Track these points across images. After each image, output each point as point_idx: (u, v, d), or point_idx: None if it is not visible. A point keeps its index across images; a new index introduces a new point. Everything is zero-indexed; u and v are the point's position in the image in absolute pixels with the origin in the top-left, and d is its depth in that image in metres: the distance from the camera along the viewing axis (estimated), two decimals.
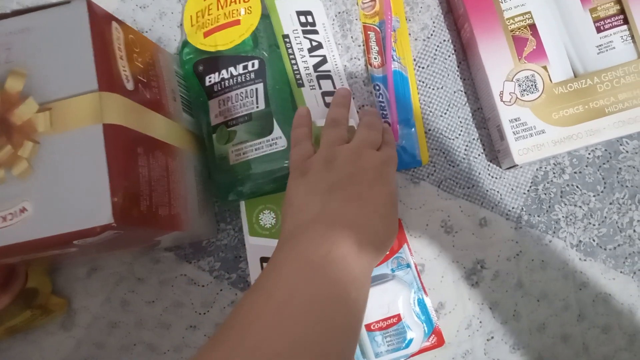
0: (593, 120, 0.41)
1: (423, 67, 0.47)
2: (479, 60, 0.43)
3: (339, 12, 0.48)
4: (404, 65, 0.47)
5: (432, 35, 0.47)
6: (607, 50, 0.42)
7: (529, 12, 0.43)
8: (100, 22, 0.34)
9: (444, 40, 0.47)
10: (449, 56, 0.47)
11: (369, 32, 0.47)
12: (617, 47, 0.42)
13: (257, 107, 0.43)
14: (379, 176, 0.35)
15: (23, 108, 0.33)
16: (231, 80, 0.44)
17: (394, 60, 0.46)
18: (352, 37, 0.48)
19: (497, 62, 0.42)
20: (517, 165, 0.42)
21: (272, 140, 0.43)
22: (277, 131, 0.43)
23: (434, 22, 0.47)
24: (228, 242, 0.47)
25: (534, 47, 0.42)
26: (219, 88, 0.44)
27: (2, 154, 0.33)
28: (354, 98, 0.47)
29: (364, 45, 0.47)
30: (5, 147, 0.33)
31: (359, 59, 0.47)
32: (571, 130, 0.41)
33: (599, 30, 0.42)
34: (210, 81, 0.44)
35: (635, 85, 0.41)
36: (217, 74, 0.44)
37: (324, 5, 0.48)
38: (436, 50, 0.47)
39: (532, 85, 0.42)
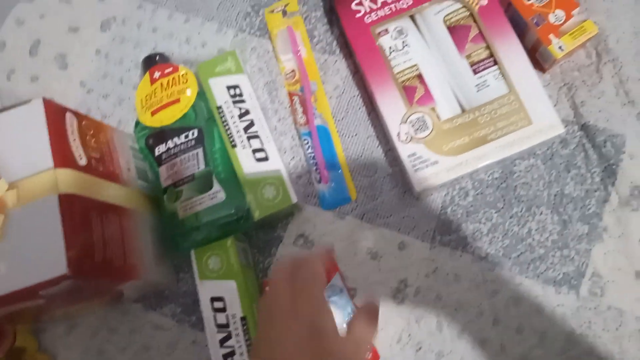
0: (478, 148, 0.48)
1: (339, 120, 0.55)
2: (378, 109, 0.51)
3: (267, 82, 0.57)
4: (326, 120, 0.55)
5: (343, 92, 0.55)
6: (484, 87, 0.50)
7: (416, 65, 0.51)
8: (55, 114, 0.43)
9: (354, 96, 0.55)
10: (359, 108, 0.55)
11: (293, 97, 0.56)
12: (491, 84, 0.50)
13: (199, 168, 0.51)
14: None
15: None
16: (176, 148, 0.52)
17: (315, 117, 0.55)
18: (279, 102, 0.56)
19: (392, 109, 0.50)
20: (421, 192, 0.49)
21: (213, 194, 0.50)
22: (216, 186, 0.50)
23: (344, 82, 0.56)
24: (187, 288, 0.54)
25: (423, 93, 0.51)
26: (167, 156, 0.52)
27: None
28: (285, 152, 0.55)
29: (290, 108, 0.56)
30: None
31: (286, 119, 0.56)
32: (460, 158, 0.48)
33: (475, 72, 0.50)
34: (159, 151, 0.53)
35: (509, 114, 0.48)
36: (164, 144, 0.53)
37: (254, 77, 0.57)
38: (348, 104, 0.55)
39: (423, 125, 0.49)
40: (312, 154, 0.54)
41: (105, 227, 0.44)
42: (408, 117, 0.50)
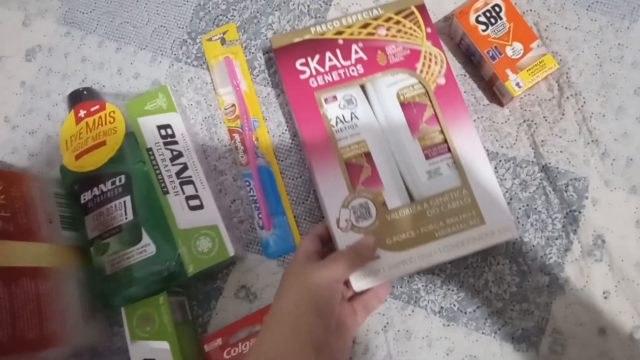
0: (424, 245, 0.42)
1: (282, 160, 0.51)
2: (317, 184, 0.44)
3: (205, 117, 0.52)
4: (269, 161, 0.50)
5: (286, 130, 0.51)
6: (435, 176, 0.43)
7: (364, 141, 0.45)
8: None
9: (298, 134, 0.51)
10: (302, 149, 0.50)
11: (233, 134, 0.51)
12: (444, 173, 0.43)
13: (126, 218, 0.47)
14: None
15: None
16: (102, 196, 0.48)
17: (258, 156, 0.50)
18: (218, 139, 0.52)
19: (332, 189, 0.43)
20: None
21: (142, 247, 0.46)
22: (145, 239, 0.46)
23: (287, 119, 0.51)
24: (122, 344, 0.49)
25: (369, 174, 0.44)
26: (92, 204, 0.48)
27: None
28: (225, 194, 0.51)
29: (231, 145, 0.51)
30: None
31: (226, 158, 0.51)
32: (404, 255, 0.42)
33: (427, 157, 0.44)
34: (84, 199, 0.48)
35: (460, 210, 0.42)
36: (89, 192, 0.48)
37: (192, 111, 0.52)
38: (291, 143, 0.51)
39: (366, 212, 0.43)
40: (254, 197, 0.50)
41: (13, 297, 0.40)
42: (350, 202, 0.43)
